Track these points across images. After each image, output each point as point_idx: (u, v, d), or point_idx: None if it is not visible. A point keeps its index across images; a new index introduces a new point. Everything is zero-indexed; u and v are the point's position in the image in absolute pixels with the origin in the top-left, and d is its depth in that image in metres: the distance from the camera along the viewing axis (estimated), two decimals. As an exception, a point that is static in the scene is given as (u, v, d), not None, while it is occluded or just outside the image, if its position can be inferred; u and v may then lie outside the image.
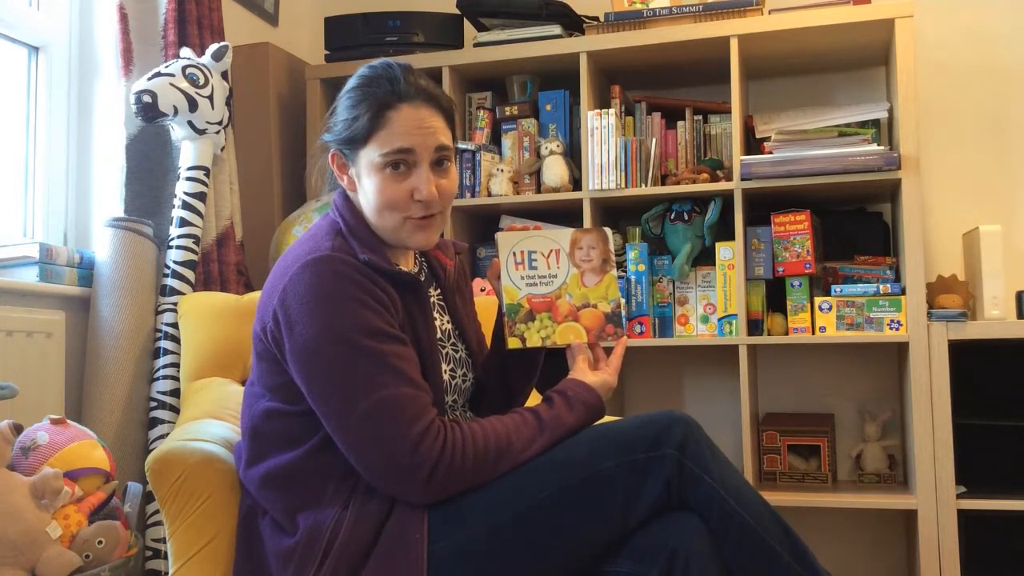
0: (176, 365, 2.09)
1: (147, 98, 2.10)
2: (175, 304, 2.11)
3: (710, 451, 1.35)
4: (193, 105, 2.16)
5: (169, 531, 1.49)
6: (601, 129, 2.53)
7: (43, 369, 1.96)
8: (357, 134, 1.43)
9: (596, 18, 2.67)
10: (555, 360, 1.58)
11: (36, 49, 2.29)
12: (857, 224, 2.65)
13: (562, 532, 1.30)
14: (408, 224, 1.44)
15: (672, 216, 2.54)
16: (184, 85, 2.15)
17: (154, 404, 2.10)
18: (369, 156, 1.43)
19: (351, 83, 1.48)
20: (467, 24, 2.80)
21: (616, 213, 2.83)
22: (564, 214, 2.69)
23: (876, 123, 2.57)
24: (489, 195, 2.64)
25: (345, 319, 1.33)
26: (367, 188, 1.44)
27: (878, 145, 2.41)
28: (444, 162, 1.46)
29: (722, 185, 2.46)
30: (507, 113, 2.72)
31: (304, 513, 1.38)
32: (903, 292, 2.33)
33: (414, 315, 1.45)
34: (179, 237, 2.17)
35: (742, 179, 2.43)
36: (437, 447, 1.31)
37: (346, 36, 2.80)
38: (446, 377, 1.50)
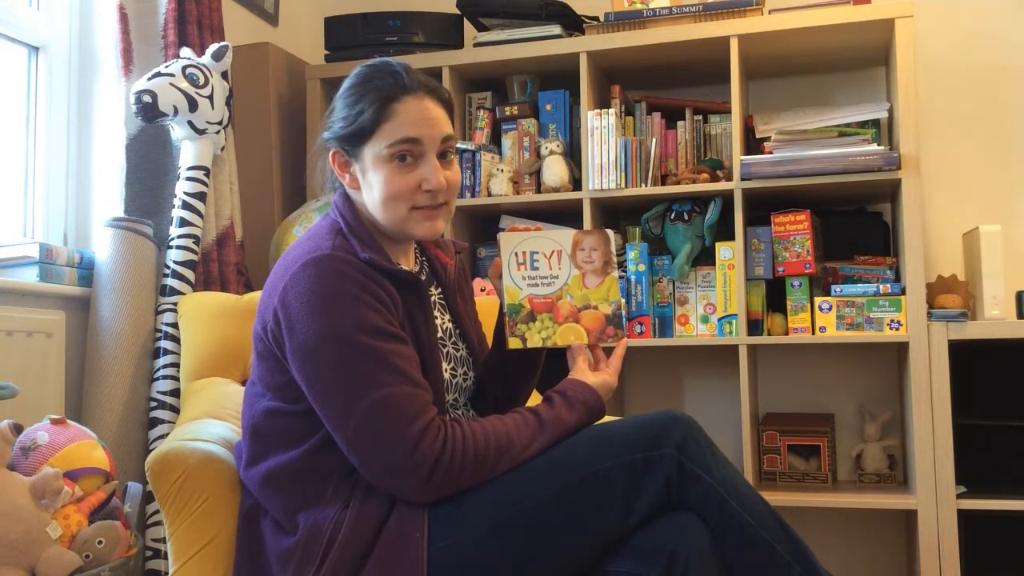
0: (176, 365, 2.09)
1: (147, 98, 2.10)
2: (175, 304, 2.11)
3: (710, 451, 1.35)
4: (193, 105, 2.16)
5: (169, 531, 1.49)
6: (601, 129, 2.53)
7: (43, 369, 1.96)
8: (362, 128, 1.43)
9: (596, 18, 2.67)
10: (556, 360, 1.58)
11: (36, 49, 2.29)
12: (857, 224, 2.65)
13: (562, 532, 1.30)
14: (415, 214, 1.44)
15: (672, 216, 2.54)
16: (184, 85, 2.15)
17: (154, 404, 2.10)
18: (375, 149, 1.43)
19: (350, 81, 1.49)
20: (467, 24, 2.80)
21: (616, 213, 2.83)
22: (564, 214, 2.69)
23: (876, 123, 2.57)
24: (489, 195, 2.64)
25: (346, 318, 1.33)
26: (373, 182, 1.44)
27: (878, 145, 2.41)
28: (448, 154, 1.47)
29: (722, 185, 2.46)
30: (507, 113, 2.72)
31: (304, 512, 1.38)
32: (903, 292, 2.33)
33: (415, 314, 1.45)
34: (179, 237, 2.17)
35: (742, 179, 2.43)
36: (437, 446, 1.31)
37: (346, 36, 2.80)
38: (447, 376, 1.50)
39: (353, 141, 1.45)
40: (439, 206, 1.46)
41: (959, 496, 2.25)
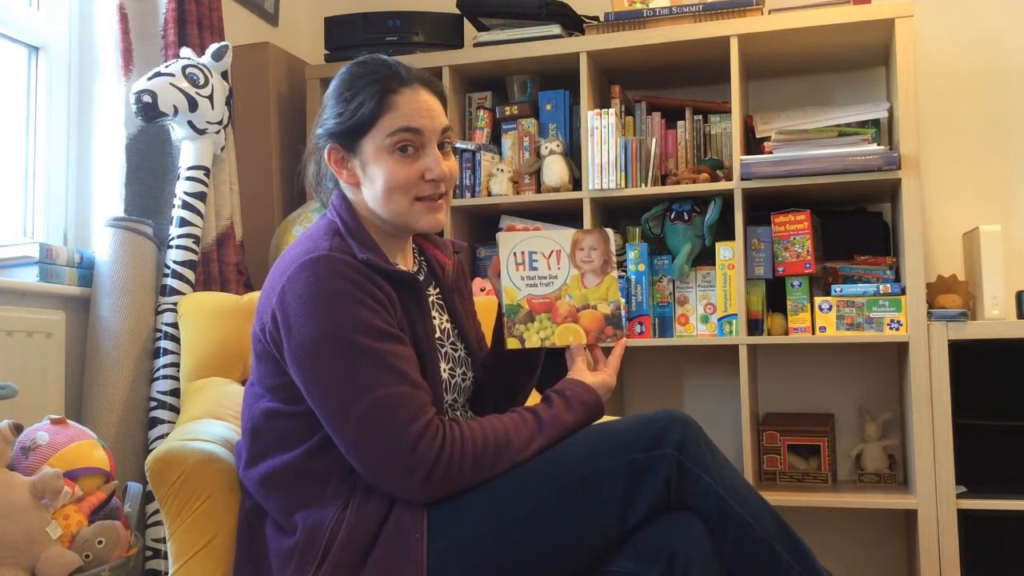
0: (176, 365, 2.09)
1: (147, 98, 2.10)
2: (175, 304, 2.11)
3: (709, 450, 1.35)
4: (193, 105, 2.16)
5: (169, 531, 1.49)
6: (601, 129, 2.53)
7: (43, 369, 1.96)
8: (362, 121, 1.43)
9: (596, 18, 2.67)
10: (555, 360, 1.58)
11: (36, 49, 2.29)
12: (857, 224, 2.65)
13: (561, 531, 1.30)
14: (418, 206, 1.45)
15: (672, 216, 2.54)
16: (184, 85, 2.15)
17: (154, 404, 2.10)
18: (375, 141, 1.43)
19: (340, 78, 1.50)
20: (467, 24, 2.80)
21: (616, 213, 2.83)
22: (564, 214, 2.69)
23: (876, 123, 2.56)
24: (489, 195, 2.64)
25: (343, 318, 1.33)
26: (374, 175, 1.44)
27: (878, 145, 2.41)
28: (446, 146, 1.48)
29: (722, 185, 2.46)
30: (507, 113, 2.72)
31: (303, 513, 1.38)
32: (903, 292, 2.33)
33: (412, 314, 1.45)
34: (179, 237, 2.17)
35: (742, 179, 2.43)
36: (435, 446, 1.31)
37: (346, 36, 2.80)
38: (445, 376, 1.50)
39: (352, 135, 1.45)
40: (440, 197, 1.46)
41: (959, 496, 2.25)
